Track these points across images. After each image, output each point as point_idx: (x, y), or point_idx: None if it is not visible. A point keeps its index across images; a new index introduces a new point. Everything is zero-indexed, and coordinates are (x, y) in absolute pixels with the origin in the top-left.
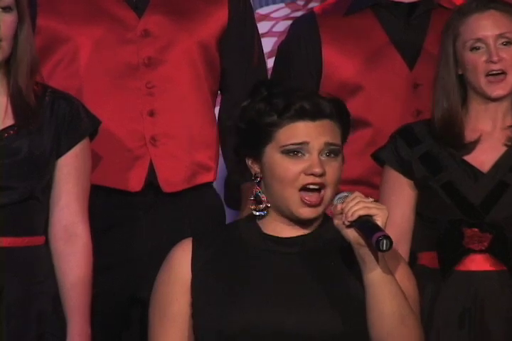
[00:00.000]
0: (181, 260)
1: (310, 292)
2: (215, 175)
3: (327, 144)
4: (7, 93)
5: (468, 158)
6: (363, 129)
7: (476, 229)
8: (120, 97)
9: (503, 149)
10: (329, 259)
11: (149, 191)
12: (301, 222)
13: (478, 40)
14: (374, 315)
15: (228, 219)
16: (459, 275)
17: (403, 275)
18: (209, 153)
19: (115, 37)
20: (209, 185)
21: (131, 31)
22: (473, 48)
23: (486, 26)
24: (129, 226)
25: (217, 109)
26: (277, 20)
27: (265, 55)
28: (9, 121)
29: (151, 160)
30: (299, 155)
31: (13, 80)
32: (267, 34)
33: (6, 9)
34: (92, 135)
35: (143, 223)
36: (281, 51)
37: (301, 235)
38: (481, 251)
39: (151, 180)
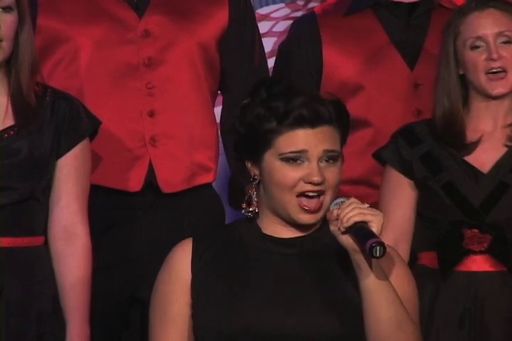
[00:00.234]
0: (181, 260)
1: (309, 293)
2: (215, 175)
3: (326, 151)
4: (7, 93)
5: (468, 158)
6: (363, 129)
7: (475, 230)
8: (120, 97)
9: (504, 150)
10: (328, 261)
11: (149, 191)
12: (300, 226)
13: (478, 38)
14: (370, 320)
15: (228, 220)
16: (458, 275)
17: (403, 278)
18: (209, 153)
19: (115, 37)
20: (209, 185)
21: (132, 31)
22: (474, 47)
23: (485, 25)
24: (129, 226)
25: (217, 109)
26: (277, 20)
27: (265, 55)
28: (9, 122)
29: (150, 161)
30: (298, 162)
31: (13, 80)
32: (267, 34)
33: (7, 9)
34: (92, 135)
35: (142, 223)
36: (282, 51)
37: (301, 236)
38: (480, 252)
39: (151, 181)
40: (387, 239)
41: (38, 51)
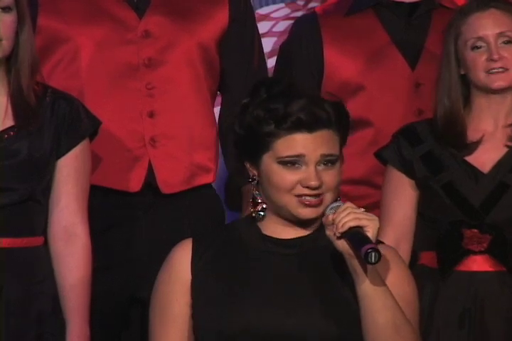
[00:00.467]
0: (181, 260)
1: (309, 293)
2: (215, 176)
3: (324, 156)
4: (7, 93)
5: (469, 158)
6: (364, 129)
7: (475, 230)
8: (120, 98)
9: (505, 150)
10: (328, 261)
11: (148, 191)
12: (300, 223)
13: (479, 38)
14: (368, 324)
15: (228, 220)
16: (458, 275)
17: (403, 279)
18: (209, 154)
19: (116, 37)
20: (209, 186)
21: (132, 32)
22: (475, 47)
23: (486, 25)
24: (129, 226)
25: (217, 109)
26: (277, 20)
27: (265, 55)
28: (9, 122)
29: (150, 161)
30: (296, 166)
31: (13, 80)
32: (267, 34)
33: (6, 9)
34: (92, 135)
35: (142, 223)
36: (283, 51)
37: (300, 236)
38: (480, 252)
39: (150, 181)
40: (389, 239)
41: (38, 51)
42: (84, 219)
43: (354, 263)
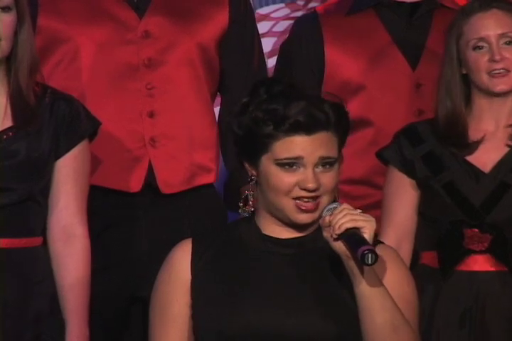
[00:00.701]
0: (181, 260)
1: (309, 293)
2: (216, 176)
3: (322, 158)
4: (7, 93)
5: (470, 158)
6: (364, 129)
7: (476, 230)
8: (120, 98)
9: (506, 149)
10: (327, 261)
11: (148, 191)
12: (298, 226)
13: (481, 39)
14: (366, 325)
15: (229, 220)
16: (459, 275)
17: (403, 279)
18: (209, 154)
19: (116, 37)
20: (210, 186)
21: (132, 32)
22: (476, 47)
23: (488, 25)
24: (129, 226)
25: (217, 110)
26: (277, 20)
27: (265, 55)
28: (8, 123)
29: (150, 161)
30: (294, 168)
31: (13, 80)
32: (267, 34)
33: (5, 9)
34: (92, 136)
35: (142, 223)
36: (283, 50)
37: (300, 236)
38: (481, 252)
39: (150, 181)
40: (390, 239)
41: (38, 51)
42: (83, 219)
43: (351, 265)
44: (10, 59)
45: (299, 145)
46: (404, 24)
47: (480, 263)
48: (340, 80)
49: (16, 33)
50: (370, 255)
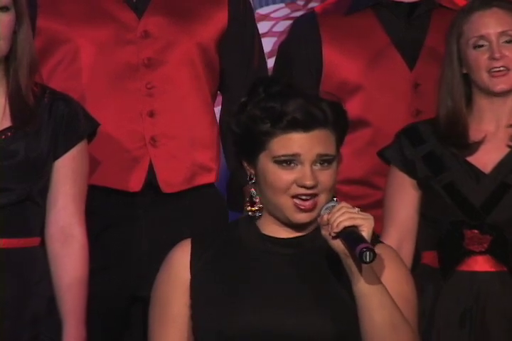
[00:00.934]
0: (181, 260)
1: (309, 293)
2: (217, 176)
3: (320, 155)
4: (6, 93)
5: (471, 158)
6: (362, 129)
7: (476, 231)
8: (120, 98)
9: (507, 150)
10: (326, 260)
11: (149, 191)
12: (296, 225)
13: (481, 37)
14: (365, 323)
15: (230, 220)
16: (460, 275)
17: (402, 277)
18: (210, 154)
19: (115, 38)
20: (210, 185)
21: (131, 32)
22: (477, 46)
23: (488, 24)
24: (129, 225)
25: (217, 109)
26: (277, 20)
27: (265, 55)
28: (6, 123)
29: (150, 161)
30: (292, 166)
31: (12, 79)
32: (267, 34)
33: (3, 9)
34: (90, 137)
35: (142, 223)
36: (282, 50)
37: (299, 236)
38: (481, 253)
39: (151, 181)
40: (391, 239)
41: (37, 52)
42: (82, 220)
43: (349, 263)
44: (9, 59)
45: (296, 142)
46: (403, 24)
47: (480, 264)
48: (338, 80)
49: (14, 33)
50: (368, 253)
